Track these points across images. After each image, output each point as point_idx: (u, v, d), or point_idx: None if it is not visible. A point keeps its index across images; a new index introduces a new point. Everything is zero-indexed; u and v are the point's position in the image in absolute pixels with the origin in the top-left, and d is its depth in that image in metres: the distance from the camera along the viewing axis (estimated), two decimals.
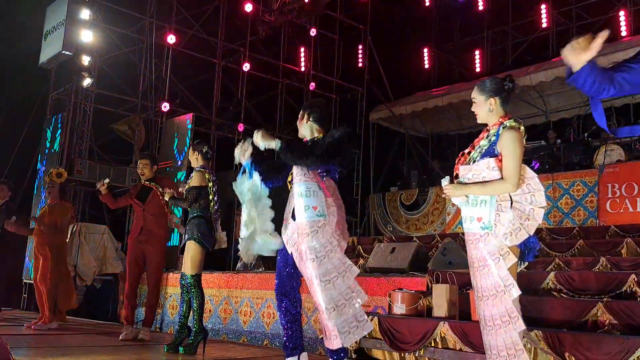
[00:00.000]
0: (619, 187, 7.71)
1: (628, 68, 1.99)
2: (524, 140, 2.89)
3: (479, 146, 2.94)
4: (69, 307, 6.89)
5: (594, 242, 6.53)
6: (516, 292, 2.75)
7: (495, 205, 2.81)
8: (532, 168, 3.03)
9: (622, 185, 7.68)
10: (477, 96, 2.99)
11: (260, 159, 3.57)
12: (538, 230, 7.81)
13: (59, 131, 9.74)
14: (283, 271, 3.55)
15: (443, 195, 2.94)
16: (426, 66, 14.25)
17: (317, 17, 12.51)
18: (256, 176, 3.56)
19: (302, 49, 12.78)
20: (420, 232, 10.04)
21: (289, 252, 3.42)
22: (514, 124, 2.87)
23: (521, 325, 2.73)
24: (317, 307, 3.32)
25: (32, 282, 8.44)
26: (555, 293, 4.32)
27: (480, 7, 13.44)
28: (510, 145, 2.82)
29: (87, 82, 9.57)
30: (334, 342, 3.23)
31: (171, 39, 10.44)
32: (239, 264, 8.25)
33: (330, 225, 3.30)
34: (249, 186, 3.56)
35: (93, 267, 8.67)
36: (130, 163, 10.15)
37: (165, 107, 10.16)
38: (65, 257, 6.72)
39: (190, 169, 5.78)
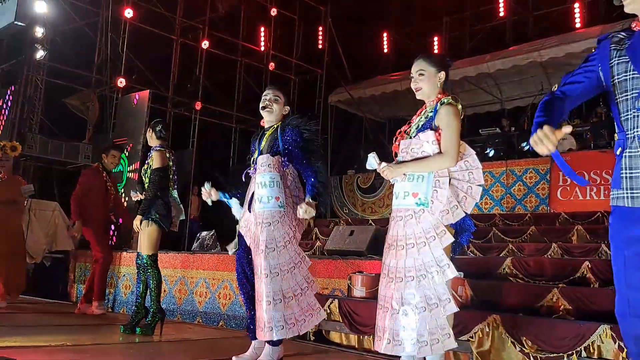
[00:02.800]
0: None
1: (570, 84, 2.07)
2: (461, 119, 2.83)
3: (415, 123, 2.91)
4: (21, 288, 6.69)
5: (546, 228, 6.75)
6: (451, 273, 2.64)
7: (432, 181, 2.73)
8: (486, 154, 3.07)
9: None
10: (427, 68, 2.88)
11: (229, 190, 3.66)
12: (491, 216, 8.06)
13: (10, 104, 9.36)
14: (243, 257, 3.54)
15: (382, 174, 2.83)
16: (385, 50, 14.30)
17: None
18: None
19: (262, 29, 12.66)
20: (376, 215, 10.16)
21: (247, 242, 3.44)
22: (452, 100, 2.83)
23: (453, 308, 2.63)
24: (256, 298, 3.31)
25: None
26: (511, 278, 4.45)
27: None
28: (448, 119, 2.76)
29: (40, 54, 9.20)
30: (266, 334, 3.20)
31: (128, 12, 10.15)
32: (195, 244, 8.18)
33: (289, 216, 3.31)
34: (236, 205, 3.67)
35: (43, 244, 8.42)
36: (83, 139, 9.87)
37: (121, 82, 9.90)
38: (21, 235, 6.51)
39: (146, 147, 5.71)
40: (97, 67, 10.15)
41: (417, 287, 2.64)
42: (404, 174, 2.79)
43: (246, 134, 12.26)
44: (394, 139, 2.98)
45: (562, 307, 3.77)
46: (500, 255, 5.58)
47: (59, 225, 8.75)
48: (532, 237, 6.57)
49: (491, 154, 9.40)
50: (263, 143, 3.46)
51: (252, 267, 3.41)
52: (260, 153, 3.42)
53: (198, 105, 11.03)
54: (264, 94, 3.53)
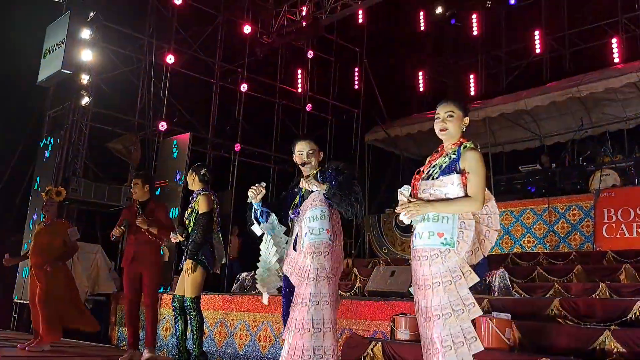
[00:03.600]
0: (615, 212, 7.75)
1: None
2: None
3: (436, 164, 2.92)
4: (92, 328, 6.70)
5: (592, 267, 6.55)
6: (478, 311, 2.68)
7: (458, 222, 2.78)
8: (527, 191, 3.10)
9: (618, 211, 7.73)
10: (456, 111, 2.95)
11: (266, 199, 3.66)
12: (535, 255, 7.87)
13: (55, 149, 9.68)
14: (290, 296, 3.55)
15: (403, 213, 2.84)
16: (421, 89, 14.37)
17: (314, 39, 12.63)
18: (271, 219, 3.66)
19: (299, 71, 12.90)
20: None
21: (292, 281, 3.49)
22: (473, 145, 2.89)
23: (479, 347, 2.64)
24: (291, 326, 3.33)
25: (23, 302, 8.33)
26: (560, 320, 4.31)
27: (475, 32, 13.60)
28: (477, 165, 2.81)
29: (85, 100, 9.55)
30: None
31: (170, 58, 10.49)
32: (234, 285, 8.19)
33: (335, 251, 3.43)
34: (264, 228, 3.66)
35: (85, 286, 8.56)
36: (125, 182, 10.10)
37: (163, 126, 10.17)
38: (68, 276, 6.52)
39: (187, 190, 5.78)
40: (139, 112, 10.45)
41: (443, 326, 2.66)
42: (426, 214, 2.82)
43: (284, 174, 12.37)
44: (413, 178, 3.01)
45: (615, 350, 3.63)
46: (547, 295, 5.42)
47: (101, 268, 8.91)
48: (578, 277, 6.38)
49: (533, 190, 9.24)
50: (303, 190, 3.59)
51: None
52: (303, 198, 3.55)
53: (237, 147, 11.21)
54: (298, 149, 3.64)
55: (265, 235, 3.71)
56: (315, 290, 3.28)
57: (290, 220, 3.64)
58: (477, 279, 2.72)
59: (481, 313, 2.70)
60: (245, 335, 6.46)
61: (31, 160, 10.12)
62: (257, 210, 3.62)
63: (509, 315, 4.01)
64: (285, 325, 3.51)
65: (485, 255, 2.79)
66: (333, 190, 3.38)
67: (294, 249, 3.49)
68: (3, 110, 10.13)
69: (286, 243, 3.65)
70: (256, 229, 3.69)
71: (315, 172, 3.60)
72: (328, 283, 3.32)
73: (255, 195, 3.58)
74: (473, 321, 3.84)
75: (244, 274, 8.13)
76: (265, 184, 3.62)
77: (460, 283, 2.69)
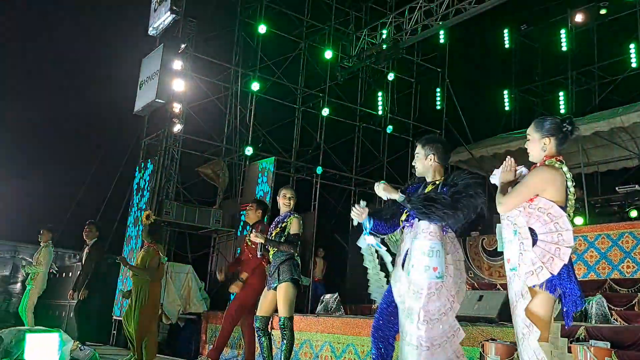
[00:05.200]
0: None
1: None
2: (565, 181, 2.84)
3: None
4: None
5: None
6: (534, 337, 2.66)
7: (518, 244, 2.81)
8: (626, 214, 3.04)
9: None
10: (532, 133, 2.96)
11: (373, 214, 3.42)
12: (635, 281, 7.39)
13: (150, 174, 10.21)
14: (385, 313, 3.36)
15: None
16: (507, 108, 14.00)
17: (395, 61, 12.66)
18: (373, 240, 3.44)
19: (379, 93, 12.96)
20: (505, 280, 9.66)
21: (396, 302, 3.26)
22: (553, 162, 2.87)
23: None
24: None
25: (120, 318, 8.76)
26: None
27: (564, 48, 13.13)
28: (528, 176, 2.87)
29: (177, 128, 10.04)
30: None
31: (255, 86, 10.87)
32: (319, 307, 8.24)
33: (447, 287, 3.11)
34: (368, 245, 3.50)
35: (178, 305, 8.89)
36: (213, 205, 10.48)
37: (249, 151, 10.51)
38: (152, 300, 6.79)
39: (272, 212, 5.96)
40: (226, 138, 10.88)
41: (521, 348, 2.75)
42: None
43: (365, 196, 12.36)
44: None
45: None
46: None
47: (192, 288, 9.23)
48: None
49: (634, 214, 8.69)
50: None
51: (390, 321, 3.29)
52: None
53: (319, 170, 11.38)
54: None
55: (370, 252, 3.56)
56: (422, 335, 3.04)
57: (401, 230, 3.39)
58: (529, 299, 2.73)
59: (537, 338, 2.67)
60: (330, 357, 6.47)
61: (129, 184, 10.74)
62: (367, 230, 3.41)
63: (608, 343, 3.79)
64: (374, 339, 3.34)
65: (554, 273, 2.71)
66: (412, 205, 3.12)
67: (402, 266, 3.24)
68: (103, 138, 10.84)
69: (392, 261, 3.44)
70: (362, 243, 3.51)
71: (438, 182, 3.34)
72: (432, 327, 3.04)
73: (359, 215, 3.38)
74: (569, 349, 3.68)
75: (327, 296, 8.16)
76: (366, 203, 3.41)
77: (521, 306, 2.75)
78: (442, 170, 3.40)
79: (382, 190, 3.27)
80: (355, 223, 3.44)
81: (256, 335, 5.06)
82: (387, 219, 3.44)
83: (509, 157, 3.07)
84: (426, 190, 3.33)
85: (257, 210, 5.80)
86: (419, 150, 3.44)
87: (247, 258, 5.70)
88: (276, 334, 5.12)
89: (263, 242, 4.94)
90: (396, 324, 3.32)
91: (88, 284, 7.14)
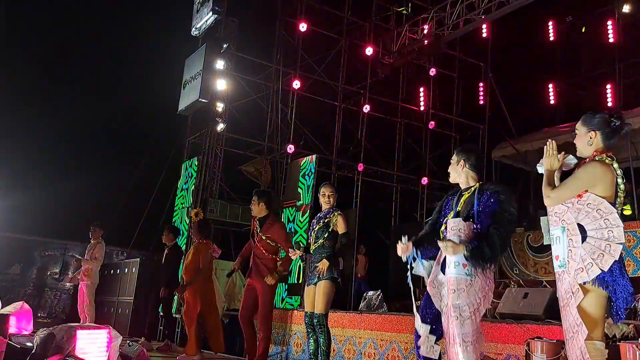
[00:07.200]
0: None
1: None
2: (615, 178, 2.80)
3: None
4: (218, 350, 6.95)
5: None
6: (582, 334, 2.63)
7: (566, 241, 2.79)
8: None
9: None
10: (579, 127, 2.96)
11: (417, 243, 3.46)
12: None
13: (194, 172, 10.41)
14: (426, 307, 3.42)
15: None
16: (552, 102, 13.68)
17: (436, 57, 12.54)
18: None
19: (421, 89, 12.84)
20: (551, 277, 9.49)
21: (435, 303, 3.35)
22: (604, 158, 2.83)
23: None
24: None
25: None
26: None
27: (611, 39, 12.75)
28: (579, 171, 2.85)
29: (220, 127, 10.22)
30: None
31: (296, 84, 10.94)
32: (362, 304, 8.25)
33: (476, 286, 3.17)
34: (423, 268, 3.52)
35: (223, 302, 9.05)
36: None
37: (291, 149, 10.60)
38: (208, 295, 6.84)
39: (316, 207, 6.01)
40: (268, 136, 11.01)
41: (569, 348, 2.72)
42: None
43: (407, 193, 12.32)
44: None
45: None
46: None
47: (237, 285, 9.38)
48: None
49: None
50: (460, 205, 3.38)
51: (432, 316, 3.34)
52: (457, 215, 3.35)
53: (360, 167, 11.36)
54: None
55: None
56: (456, 331, 3.10)
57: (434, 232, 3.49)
58: (581, 297, 2.69)
59: (584, 337, 2.64)
60: (374, 354, 6.48)
61: (174, 183, 10.97)
62: (419, 259, 3.46)
63: None
64: (416, 342, 3.39)
65: (605, 270, 2.68)
66: (477, 264, 3.14)
67: (441, 270, 3.32)
68: (148, 138, 11.11)
69: None
70: (420, 271, 3.53)
71: (474, 188, 3.38)
72: (462, 323, 3.10)
73: (405, 250, 3.42)
74: (617, 348, 3.61)
75: (370, 293, 8.16)
76: (407, 239, 3.43)
77: (572, 304, 2.72)
78: (476, 176, 3.47)
79: (451, 253, 3.21)
80: (404, 260, 3.47)
81: (306, 332, 5.11)
82: (430, 241, 3.47)
83: (549, 140, 3.04)
84: (462, 199, 3.40)
85: (259, 203, 5.76)
86: (453, 157, 3.56)
87: (260, 252, 5.66)
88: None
89: (301, 254, 5.03)
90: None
91: (168, 284, 7.45)
